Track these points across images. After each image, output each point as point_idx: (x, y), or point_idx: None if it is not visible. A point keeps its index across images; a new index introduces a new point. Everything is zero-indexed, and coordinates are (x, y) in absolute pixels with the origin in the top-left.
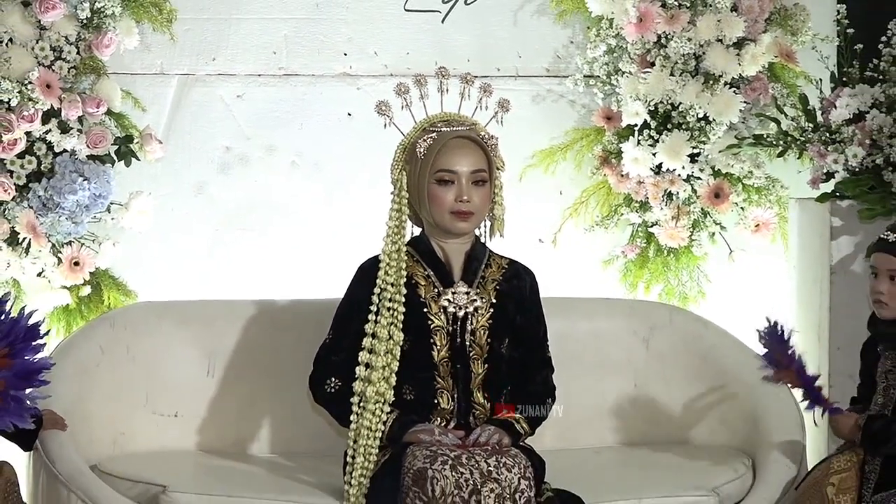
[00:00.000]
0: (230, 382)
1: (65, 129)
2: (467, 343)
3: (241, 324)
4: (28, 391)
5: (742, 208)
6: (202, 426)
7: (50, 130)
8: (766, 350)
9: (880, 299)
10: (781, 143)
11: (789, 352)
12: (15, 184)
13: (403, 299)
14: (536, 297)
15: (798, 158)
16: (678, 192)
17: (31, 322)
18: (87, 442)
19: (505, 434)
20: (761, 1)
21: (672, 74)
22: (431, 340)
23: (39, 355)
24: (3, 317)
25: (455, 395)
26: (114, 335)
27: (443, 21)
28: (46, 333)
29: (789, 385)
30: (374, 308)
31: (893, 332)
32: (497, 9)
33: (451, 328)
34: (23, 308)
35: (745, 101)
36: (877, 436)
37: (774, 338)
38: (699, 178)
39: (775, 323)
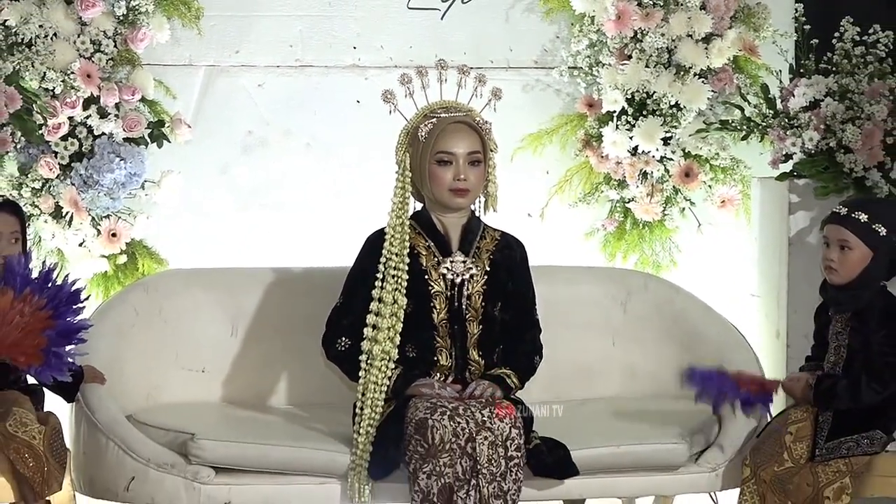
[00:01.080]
0: (251, 341)
1: (103, 114)
2: (464, 306)
3: (261, 289)
4: (68, 349)
5: (709, 186)
6: (226, 380)
7: (90, 115)
8: (699, 395)
9: (831, 266)
10: (745, 127)
11: (726, 384)
12: (59, 163)
13: (407, 267)
14: (525, 265)
15: (760, 141)
16: (652, 172)
17: (73, 288)
18: (123, 394)
19: (497, 388)
20: (727, 1)
21: (647, 66)
22: (432, 304)
23: (79, 317)
24: (49, 284)
25: (453, 353)
26: (147, 299)
27: (442, 18)
28: (87, 298)
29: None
30: (380, 275)
31: (842, 297)
32: (491, 7)
33: (449, 293)
34: (67, 275)
35: (712, 90)
36: (825, 394)
37: (704, 381)
38: (671, 159)
39: (689, 372)
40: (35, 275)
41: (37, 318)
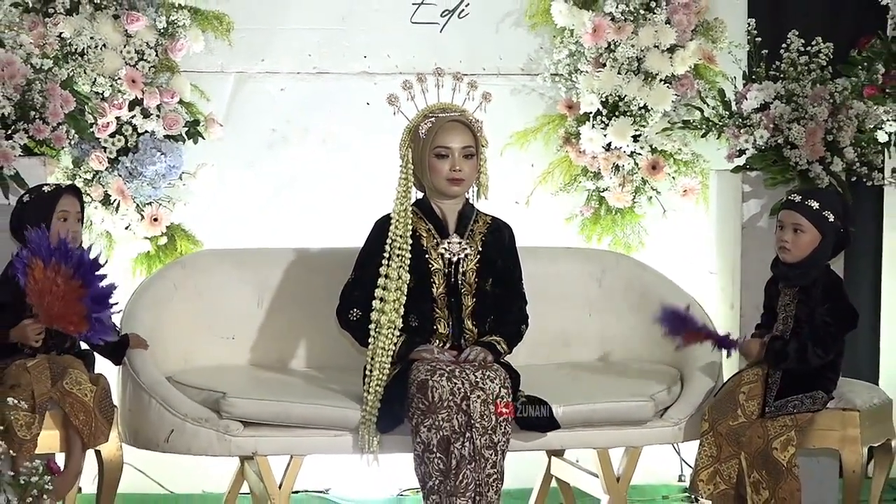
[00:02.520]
0: (274, 312)
1: (146, 114)
2: (459, 282)
3: (284, 266)
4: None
5: (673, 178)
6: (253, 346)
7: (135, 115)
8: (666, 329)
9: (785, 246)
10: (704, 126)
11: (693, 323)
12: (108, 157)
13: (410, 248)
14: (513, 245)
15: (717, 139)
16: (624, 165)
17: (92, 256)
18: (163, 358)
19: (489, 353)
20: (688, 16)
21: (619, 73)
22: (431, 280)
23: (105, 282)
24: (69, 254)
25: (450, 323)
26: (184, 275)
27: (440, 31)
28: (105, 263)
29: (699, 344)
30: (386, 255)
31: (792, 273)
32: (483, 21)
33: (447, 270)
34: (81, 245)
35: (675, 94)
36: (777, 353)
37: (674, 318)
38: (640, 154)
39: (667, 309)
40: (53, 245)
41: (70, 287)
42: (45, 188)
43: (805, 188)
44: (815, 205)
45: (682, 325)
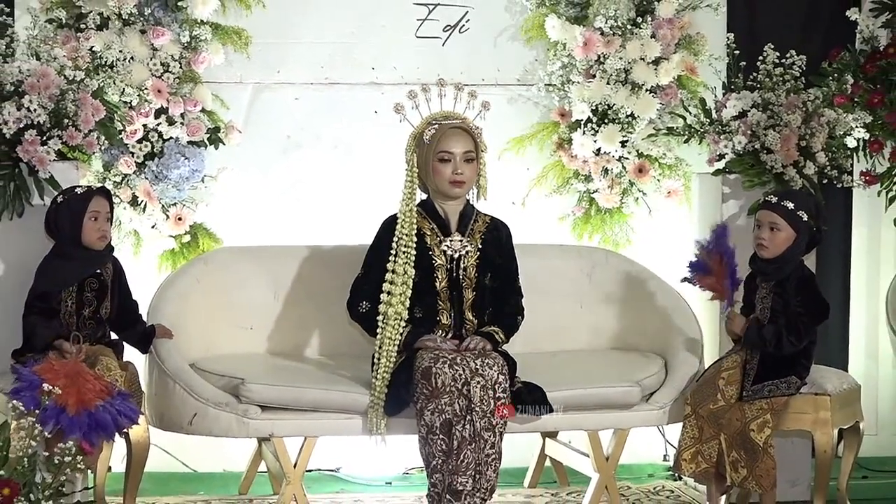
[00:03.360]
0: (289, 304)
1: (171, 122)
2: (460, 277)
3: (298, 262)
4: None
5: (658, 180)
6: (269, 336)
7: (160, 123)
8: (697, 257)
9: (762, 243)
10: (686, 133)
11: (728, 249)
12: (135, 161)
13: (415, 245)
14: (510, 243)
15: (699, 144)
16: (612, 168)
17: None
18: (186, 347)
19: (488, 342)
20: (672, 31)
21: (608, 83)
22: (435, 275)
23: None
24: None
25: (452, 314)
26: (206, 270)
27: (443, 45)
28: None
29: (704, 289)
30: (393, 251)
31: (769, 268)
32: (482, 36)
33: (449, 266)
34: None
35: (660, 103)
36: (756, 334)
37: (717, 242)
38: (627, 158)
39: (723, 226)
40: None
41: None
42: (77, 190)
43: (781, 190)
44: (791, 205)
45: (711, 264)
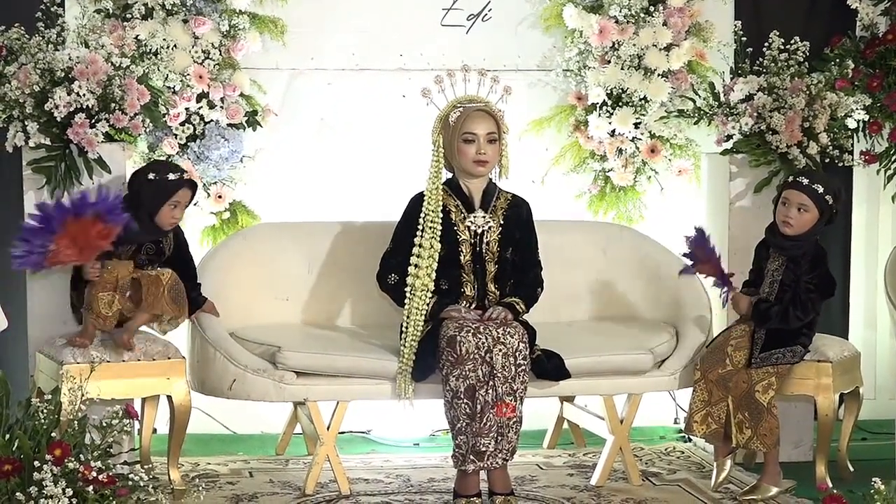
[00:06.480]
0: (323, 277)
1: (211, 105)
2: (483, 251)
3: (332, 237)
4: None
5: (669, 160)
6: (305, 306)
7: (202, 107)
8: (689, 250)
9: (788, 222)
10: (696, 115)
11: (710, 248)
12: (178, 143)
13: (440, 221)
14: (530, 219)
15: (708, 125)
16: (626, 149)
17: (114, 200)
18: (226, 317)
19: (509, 312)
20: (682, 19)
21: (622, 69)
22: (459, 249)
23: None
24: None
25: (475, 286)
26: (245, 245)
27: (467, 32)
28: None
29: (704, 275)
30: (420, 227)
31: (787, 244)
32: (504, 24)
33: (473, 241)
34: (101, 187)
35: (671, 87)
36: (762, 314)
37: (699, 240)
38: (640, 139)
39: (700, 230)
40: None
41: (84, 224)
42: (171, 175)
43: (809, 171)
44: (821, 188)
45: (702, 254)
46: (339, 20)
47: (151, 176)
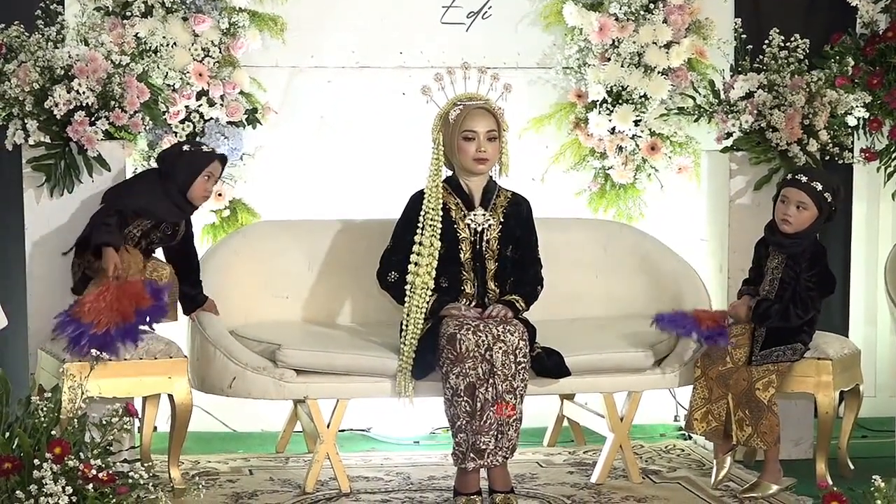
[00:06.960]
0: (323, 275)
1: (211, 103)
2: (483, 249)
3: (331, 235)
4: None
5: (669, 157)
6: (304, 304)
7: (201, 104)
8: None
9: (787, 220)
10: (696, 112)
11: (681, 316)
12: (178, 140)
13: (441, 219)
14: (530, 216)
15: (708, 123)
16: (626, 146)
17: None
18: (226, 314)
19: (509, 310)
20: (682, 16)
21: (622, 66)
22: (459, 247)
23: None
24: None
25: (475, 284)
26: (245, 242)
27: (467, 30)
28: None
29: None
30: (420, 225)
31: (786, 241)
32: (504, 21)
33: (473, 238)
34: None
35: (671, 84)
36: (763, 314)
37: (669, 322)
38: (640, 137)
39: (658, 316)
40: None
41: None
42: (204, 148)
43: (808, 169)
44: (820, 186)
45: (678, 326)
46: (338, 18)
47: (186, 147)
